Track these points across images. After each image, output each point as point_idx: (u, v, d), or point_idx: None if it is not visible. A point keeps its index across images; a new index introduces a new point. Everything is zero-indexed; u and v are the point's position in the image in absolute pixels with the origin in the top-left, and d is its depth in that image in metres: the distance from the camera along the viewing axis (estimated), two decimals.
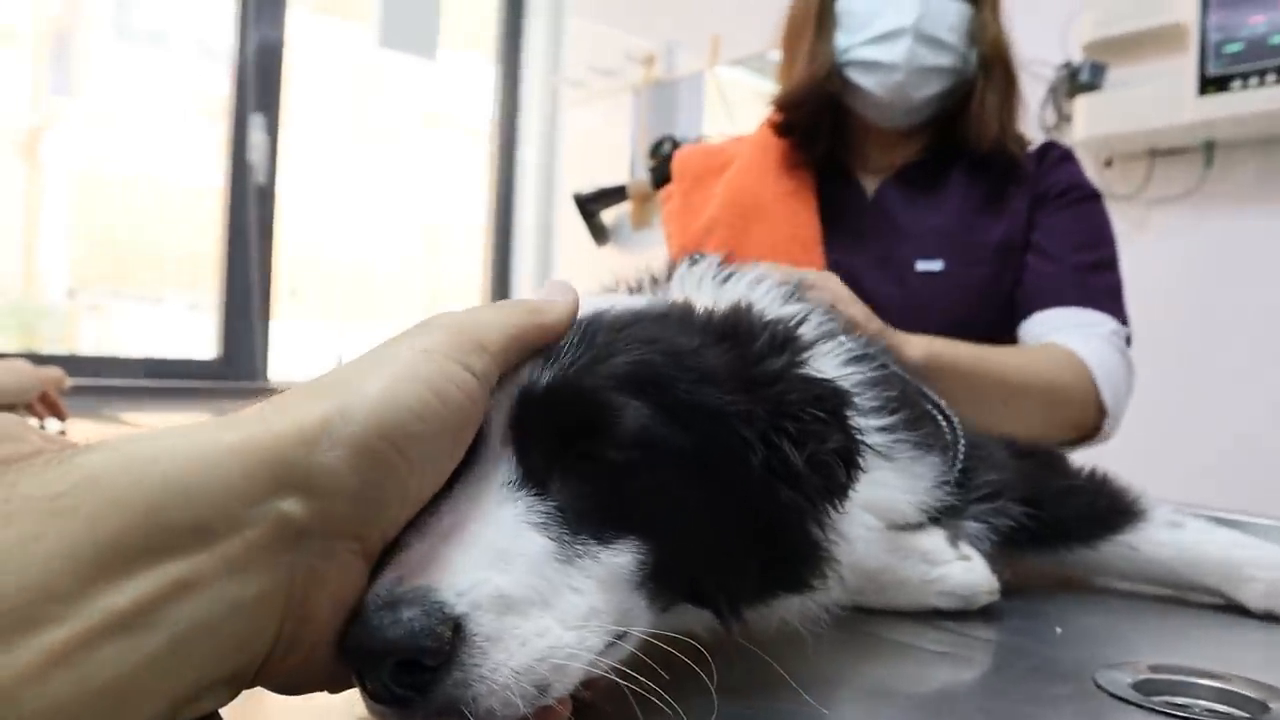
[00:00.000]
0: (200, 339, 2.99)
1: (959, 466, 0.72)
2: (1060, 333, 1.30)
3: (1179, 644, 0.69)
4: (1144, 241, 2.11)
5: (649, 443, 0.45)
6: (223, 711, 0.35)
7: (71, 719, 0.28)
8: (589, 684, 0.42)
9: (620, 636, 0.44)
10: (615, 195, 3.19)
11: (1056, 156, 1.44)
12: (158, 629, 0.30)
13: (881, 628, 0.65)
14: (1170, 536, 0.77)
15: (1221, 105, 1.94)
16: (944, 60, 1.35)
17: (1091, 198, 1.42)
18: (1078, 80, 2.20)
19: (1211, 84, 1.95)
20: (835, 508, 0.52)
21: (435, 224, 3.89)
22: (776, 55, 1.52)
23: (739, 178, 1.49)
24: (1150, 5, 2.09)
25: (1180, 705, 0.52)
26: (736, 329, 0.53)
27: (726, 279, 0.71)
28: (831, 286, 1.01)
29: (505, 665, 0.37)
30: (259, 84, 2.96)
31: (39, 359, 1.64)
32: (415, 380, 0.39)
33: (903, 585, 0.67)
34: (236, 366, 2.94)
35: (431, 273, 3.96)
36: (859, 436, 0.53)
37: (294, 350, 3.10)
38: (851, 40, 1.37)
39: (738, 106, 3.00)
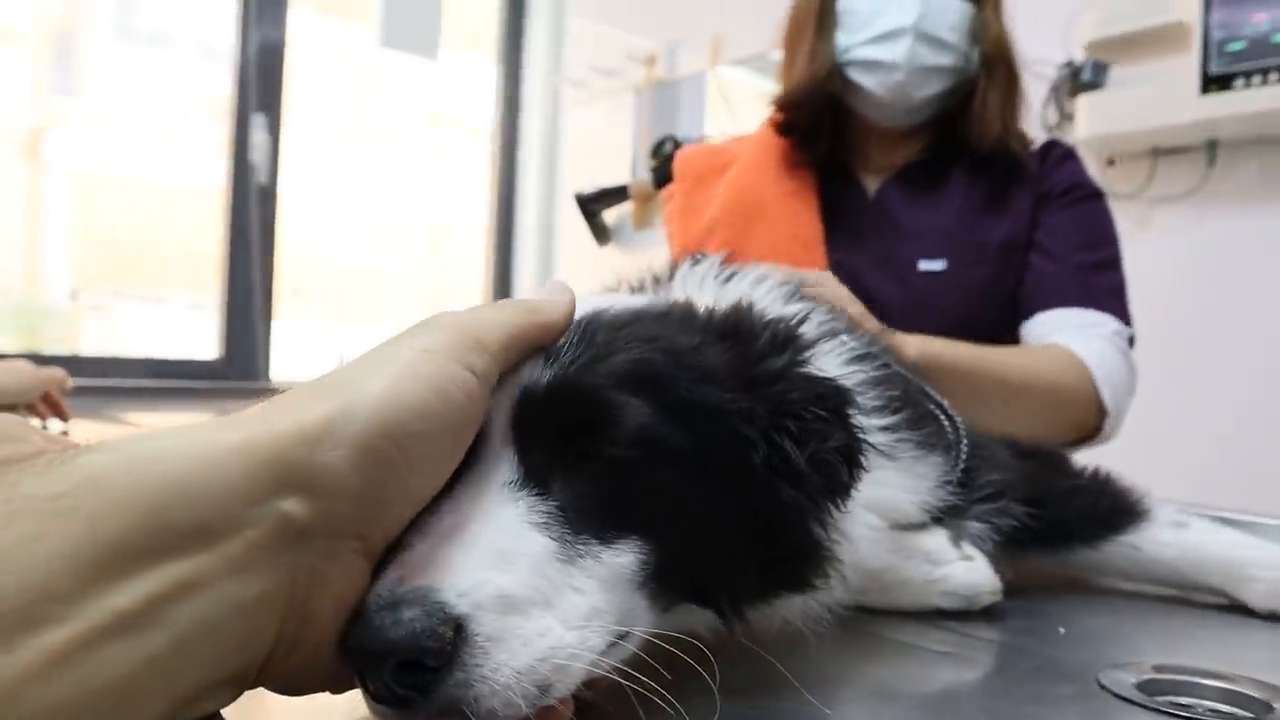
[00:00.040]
0: (202, 339, 2.99)
1: (962, 466, 0.72)
2: (1061, 334, 1.30)
3: (1183, 644, 0.69)
4: (1146, 241, 2.11)
5: (650, 441, 0.45)
6: (224, 712, 0.35)
7: (73, 719, 0.28)
8: (591, 684, 0.42)
9: (622, 636, 0.44)
10: (617, 195, 3.19)
11: (1059, 155, 1.44)
12: (159, 629, 0.30)
13: (884, 628, 0.65)
14: (1174, 536, 0.77)
15: (1224, 104, 1.94)
16: (945, 59, 1.35)
17: (1094, 196, 1.42)
18: (1080, 79, 2.20)
19: (1214, 83, 1.95)
20: (837, 507, 0.52)
21: (437, 224, 3.89)
22: (778, 55, 1.52)
23: (740, 177, 1.49)
24: (1152, 4, 2.08)
25: (1184, 705, 0.52)
26: (738, 328, 0.53)
27: (728, 279, 0.71)
28: (829, 286, 1.01)
29: (507, 665, 0.37)
30: (261, 84, 2.96)
31: (41, 359, 1.64)
32: (417, 380, 0.39)
33: (905, 585, 0.67)
34: (238, 367, 2.94)
35: (433, 273, 3.96)
36: (861, 435, 0.53)
37: (296, 350, 3.11)
38: (852, 40, 1.37)
39: (739, 106, 3.00)
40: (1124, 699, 0.52)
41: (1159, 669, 0.56)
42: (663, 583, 0.46)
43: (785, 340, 0.53)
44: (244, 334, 2.94)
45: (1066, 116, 2.26)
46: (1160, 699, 0.52)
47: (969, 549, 0.69)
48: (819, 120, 1.42)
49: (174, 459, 0.32)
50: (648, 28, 3.29)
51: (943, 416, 0.76)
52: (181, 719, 0.32)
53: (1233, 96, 1.92)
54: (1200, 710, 0.52)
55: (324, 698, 0.40)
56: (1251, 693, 0.53)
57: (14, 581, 0.28)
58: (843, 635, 0.60)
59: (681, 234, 1.54)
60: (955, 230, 1.39)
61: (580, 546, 0.43)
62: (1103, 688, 0.54)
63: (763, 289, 0.70)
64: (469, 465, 0.43)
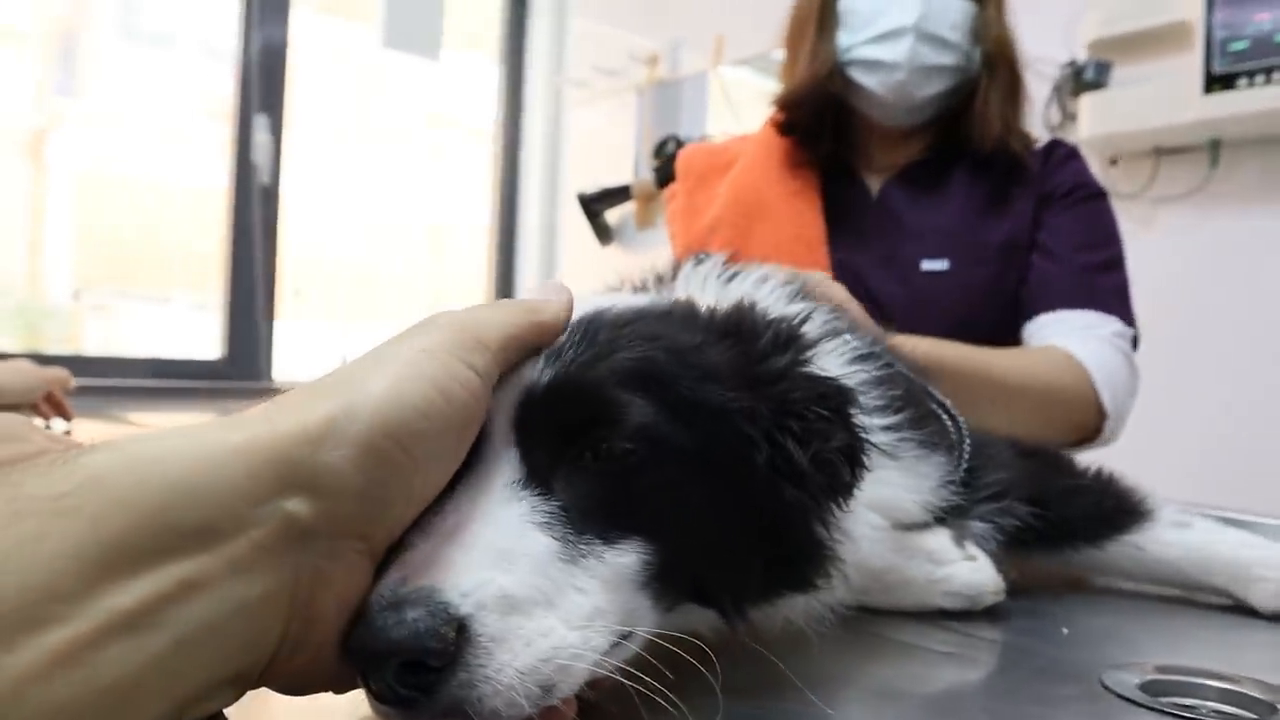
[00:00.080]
0: (205, 339, 2.99)
1: (964, 466, 0.72)
2: (1062, 335, 1.30)
3: (1186, 645, 0.69)
4: (1149, 240, 2.10)
5: (652, 439, 0.45)
6: (228, 712, 0.35)
7: (76, 719, 0.28)
8: (594, 684, 0.42)
9: (625, 636, 0.44)
10: (619, 195, 3.19)
11: (1062, 155, 1.44)
12: (162, 629, 0.30)
13: (887, 628, 0.65)
14: (1178, 536, 0.77)
15: (1227, 103, 1.94)
16: (947, 59, 1.35)
17: (1097, 196, 1.41)
18: (1082, 79, 2.19)
19: (1217, 82, 1.94)
20: (840, 507, 0.52)
21: (439, 224, 3.90)
22: (780, 55, 1.52)
23: (743, 177, 1.49)
24: (1155, 3, 2.08)
25: (1187, 706, 0.52)
26: (740, 327, 0.53)
27: (731, 278, 0.71)
28: (828, 287, 1.01)
29: (510, 666, 0.37)
30: (263, 85, 2.97)
31: (44, 359, 1.64)
32: (419, 379, 0.39)
33: (908, 585, 0.67)
34: (241, 366, 2.94)
35: (435, 273, 3.97)
36: (864, 435, 0.53)
37: (298, 350, 3.11)
38: (854, 39, 1.37)
39: (741, 106, 3.00)
40: (1127, 699, 0.52)
41: (1162, 669, 0.56)
42: (665, 582, 0.46)
43: (788, 339, 0.53)
44: (246, 334, 2.95)
45: (1069, 116, 2.26)
46: (1163, 700, 0.52)
47: (972, 549, 0.69)
48: (820, 120, 1.42)
49: (177, 459, 0.32)
50: (649, 28, 3.29)
51: (945, 416, 0.76)
52: (185, 719, 0.32)
53: (1235, 96, 1.92)
54: (1203, 711, 0.52)
55: (327, 698, 0.40)
56: (1255, 694, 0.53)
57: (17, 581, 0.28)
58: (845, 635, 0.60)
59: (684, 234, 1.54)
60: (958, 230, 1.39)
61: (583, 546, 0.43)
62: (1106, 688, 0.53)
63: (766, 288, 0.70)
64: (471, 465, 0.43)
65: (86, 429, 1.56)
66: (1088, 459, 0.87)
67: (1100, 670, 0.56)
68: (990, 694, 0.56)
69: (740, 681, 0.48)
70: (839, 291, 0.99)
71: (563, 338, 0.48)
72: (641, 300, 0.59)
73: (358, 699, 0.39)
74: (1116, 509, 0.79)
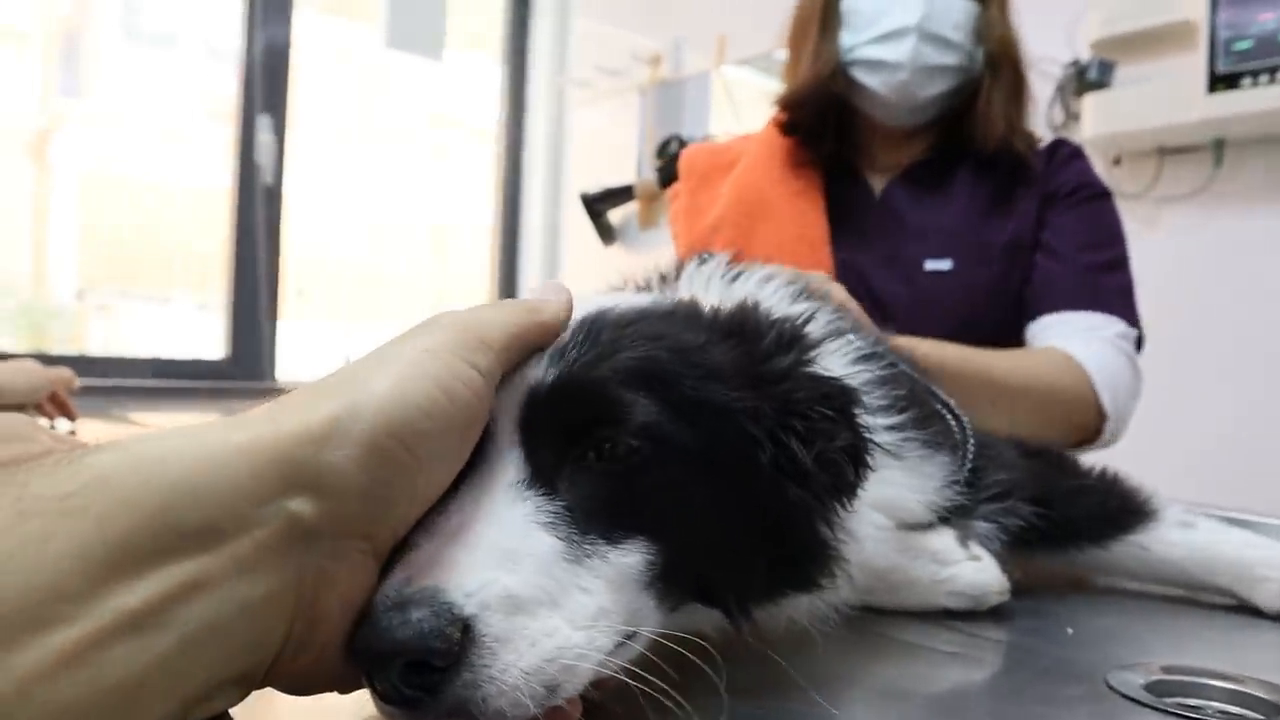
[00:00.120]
0: (208, 339, 2.99)
1: (968, 466, 0.72)
2: (1064, 337, 1.29)
3: (1191, 645, 0.69)
4: (1153, 240, 2.10)
5: (656, 438, 0.45)
6: (233, 711, 0.35)
7: (81, 718, 0.28)
8: (599, 684, 0.42)
9: (629, 636, 0.44)
10: (622, 195, 3.19)
11: (1066, 154, 1.44)
12: (168, 629, 0.30)
13: (891, 628, 0.65)
14: (1182, 536, 0.77)
15: (1231, 103, 1.93)
16: (949, 59, 1.35)
17: (1101, 196, 1.41)
18: (1086, 78, 2.19)
19: (1221, 82, 1.94)
20: (844, 506, 0.52)
21: (442, 224, 3.90)
22: (783, 54, 1.51)
23: (745, 176, 1.49)
24: (1159, 3, 2.08)
25: (1193, 707, 0.52)
26: (743, 326, 0.53)
27: (735, 277, 0.71)
28: (827, 287, 1.00)
29: (515, 666, 0.37)
30: (266, 85, 2.97)
31: (48, 359, 1.64)
32: (423, 378, 0.39)
33: (912, 585, 0.67)
34: (244, 366, 2.94)
35: (438, 273, 3.97)
36: (867, 435, 0.53)
37: (301, 350, 3.11)
38: (856, 39, 1.37)
39: (744, 106, 3.00)
40: (1132, 700, 0.52)
41: (1167, 670, 0.56)
42: (670, 582, 0.46)
43: (791, 339, 0.53)
44: (250, 334, 2.95)
45: (1072, 116, 2.26)
46: (1169, 700, 0.52)
47: (976, 549, 0.69)
48: (823, 120, 1.42)
49: (181, 459, 0.32)
50: (652, 28, 3.29)
51: (949, 416, 0.76)
52: (190, 718, 0.32)
53: (1240, 95, 1.92)
54: (1209, 711, 0.52)
55: (332, 698, 0.40)
56: (1260, 694, 0.53)
57: (23, 581, 0.28)
58: (849, 635, 0.60)
59: (686, 233, 1.54)
60: (961, 230, 1.39)
61: (587, 546, 0.43)
62: (1111, 689, 0.53)
63: (769, 288, 0.70)
64: (475, 465, 0.43)
65: (91, 429, 1.56)
66: (1091, 459, 0.87)
67: (1105, 670, 0.56)
68: (995, 694, 0.56)
69: (744, 681, 0.48)
70: (838, 292, 0.99)
71: (566, 337, 0.48)
72: (645, 300, 0.59)
73: (363, 699, 0.39)
74: (1121, 509, 0.79)
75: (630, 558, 0.44)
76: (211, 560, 0.31)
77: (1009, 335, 1.34)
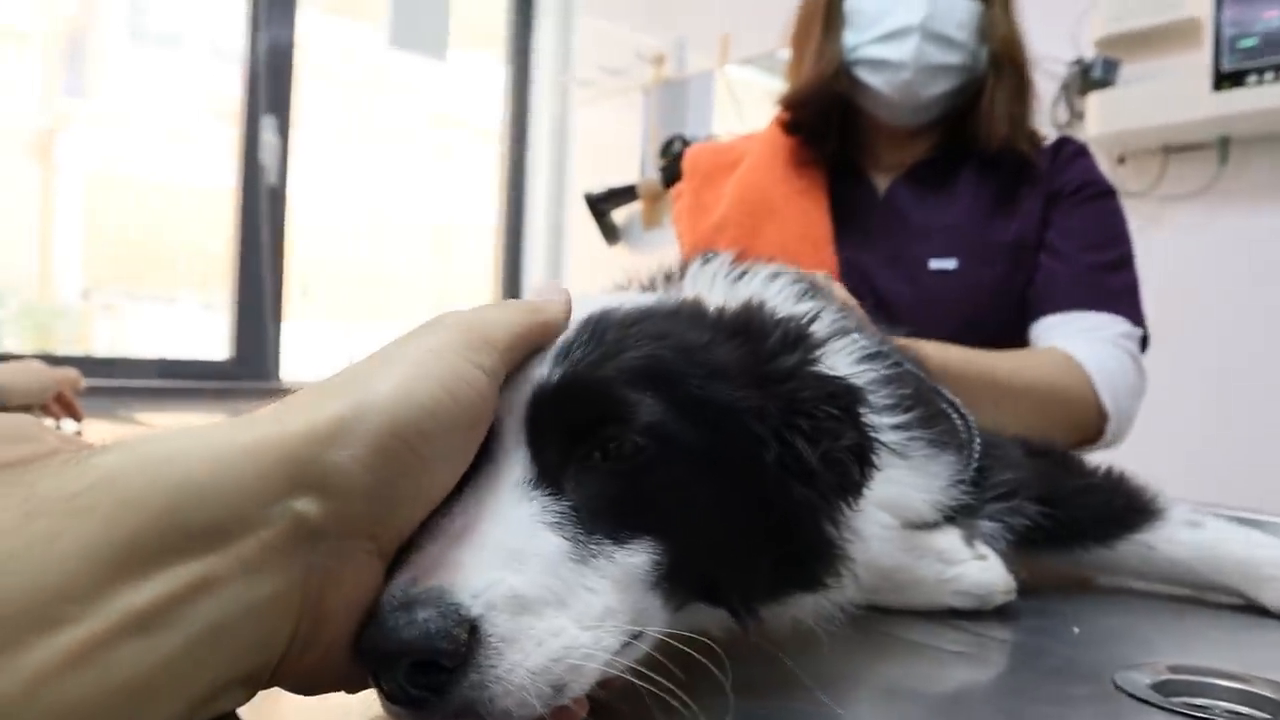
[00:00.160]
0: (213, 339, 3.00)
1: (974, 465, 0.71)
2: (1066, 337, 1.29)
3: (1198, 645, 0.68)
4: (1158, 239, 2.09)
5: (662, 437, 0.45)
6: (239, 711, 0.35)
7: (88, 719, 0.28)
8: (605, 684, 0.42)
9: (636, 636, 0.44)
10: (626, 195, 3.19)
11: (1070, 152, 1.43)
12: (174, 629, 0.30)
13: (897, 627, 0.65)
14: (1189, 536, 0.76)
15: (1236, 101, 1.93)
16: (953, 58, 1.34)
17: (1106, 194, 1.41)
18: (1090, 77, 2.18)
19: (1226, 79, 1.93)
20: (849, 505, 0.52)
21: (446, 224, 3.90)
22: (786, 54, 1.51)
23: (749, 175, 1.49)
24: (1164, 0, 2.07)
25: (1200, 706, 0.52)
26: (748, 325, 0.53)
27: (740, 277, 0.70)
28: (829, 286, 1.00)
29: (521, 666, 0.37)
30: (270, 85, 2.97)
31: (54, 360, 1.65)
32: (428, 378, 0.39)
33: (918, 584, 0.67)
34: (249, 366, 2.95)
35: (442, 273, 3.97)
36: (873, 434, 0.53)
37: (306, 350, 3.12)
38: (859, 38, 1.37)
39: (748, 105, 3.00)
40: (1139, 699, 0.52)
41: (1174, 669, 0.56)
42: (676, 582, 0.46)
43: (796, 338, 0.53)
44: (255, 334, 2.96)
45: (1077, 114, 2.25)
46: (1175, 700, 0.52)
47: (982, 548, 0.69)
48: (826, 119, 1.42)
49: (187, 459, 0.32)
50: (656, 27, 3.29)
51: (955, 415, 0.76)
52: (197, 718, 0.32)
53: (1245, 93, 1.91)
54: (1216, 711, 0.52)
55: (338, 697, 0.40)
56: (1267, 693, 0.53)
57: (30, 581, 0.28)
58: (855, 634, 0.60)
59: (690, 233, 1.54)
60: (965, 229, 1.39)
61: (593, 546, 0.43)
62: (1118, 688, 0.53)
63: (774, 287, 0.70)
64: (481, 465, 0.43)
65: (97, 429, 1.56)
66: (1095, 459, 0.86)
67: (1112, 670, 0.56)
68: (1001, 694, 0.55)
69: (750, 681, 0.48)
70: (839, 291, 0.99)
71: (571, 337, 0.48)
72: (649, 299, 0.59)
73: (369, 699, 0.39)
74: (1127, 508, 0.78)
75: (636, 557, 0.44)
76: (218, 560, 0.32)
77: (1013, 335, 1.34)
